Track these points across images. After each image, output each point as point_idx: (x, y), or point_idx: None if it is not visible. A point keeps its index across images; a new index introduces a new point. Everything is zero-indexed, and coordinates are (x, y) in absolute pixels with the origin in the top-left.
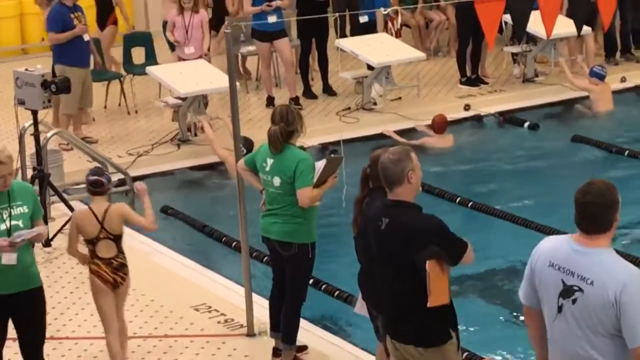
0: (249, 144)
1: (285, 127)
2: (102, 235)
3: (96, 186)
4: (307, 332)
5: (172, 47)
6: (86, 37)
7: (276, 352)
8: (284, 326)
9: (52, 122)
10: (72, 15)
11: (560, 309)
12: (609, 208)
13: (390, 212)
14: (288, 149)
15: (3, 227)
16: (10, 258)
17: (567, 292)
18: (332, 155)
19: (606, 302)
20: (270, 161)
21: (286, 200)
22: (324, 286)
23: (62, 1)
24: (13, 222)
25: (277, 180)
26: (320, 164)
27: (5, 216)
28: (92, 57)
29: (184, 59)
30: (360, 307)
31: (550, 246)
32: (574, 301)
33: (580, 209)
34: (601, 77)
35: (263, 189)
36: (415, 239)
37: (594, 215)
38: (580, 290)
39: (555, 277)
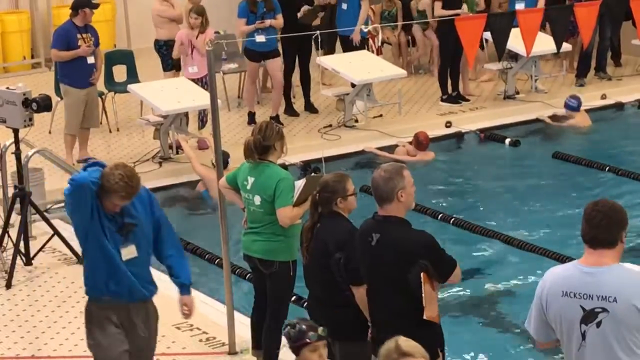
0: (224, 156)
1: (261, 140)
2: None
3: None
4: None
5: (165, 66)
6: (90, 60)
7: None
8: (265, 344)
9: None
10: (79, 36)
11: (584, 335)
12: (618, 224)
13: (381, 228)
14: (268, 167)
15: None
16: (129, 252)
17: (590, 316)
18: (313, 174)
19: (634, 314)
20: (251, 180)
21: (267, 219)
22: (306, 303)
23: (73, 20)
24: None
25: (257, 199)
26: (300, 183)
27: None
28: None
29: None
30: None
31: (558, 276)
32: (598, 324)
33: (589, 220)
34: (574, 109)
35: (244, 207)
36: (407, 254)
37: (602, 227)
38: (605, 310)
39: (573, 305)
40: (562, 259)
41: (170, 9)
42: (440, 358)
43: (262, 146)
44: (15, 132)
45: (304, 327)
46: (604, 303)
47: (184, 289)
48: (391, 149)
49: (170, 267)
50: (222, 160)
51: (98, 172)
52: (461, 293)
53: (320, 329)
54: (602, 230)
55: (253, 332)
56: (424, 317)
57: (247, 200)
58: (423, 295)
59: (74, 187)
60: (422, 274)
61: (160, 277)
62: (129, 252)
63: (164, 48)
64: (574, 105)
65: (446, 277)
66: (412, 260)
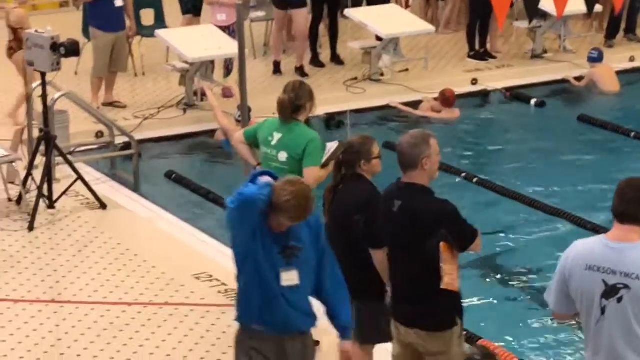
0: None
1: (294, 99)
2: None
3: None
4: None
5: (183, 10)
6: (118, 3)
7: None
8: None
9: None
10: None
11: (603, 310)
12: None
13: (403, 195)
14: (298, 126)
15: None
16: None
17: (611, 292)
18: (343, 140)
19: None
20: (277, 135)
21: None
22: None
23: None
24: None
25: (283, 155)
26: (331, 145)
27: None
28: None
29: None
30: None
31: (583, 249)
32: (619, 300)
33: (620, 195)
34: (594, 60)
35: (258, 164)
36: (427, 222)
37: (632, 203)
38: (627, 287)
39: (595, 279)
40: (582, 223)
41: None
42: (458, 326)
43: (295, 105)
44: (43, 75)
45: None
46: (626, 279)
47: (345, 332)
48: (416, 104)
49: (329, 305)
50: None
51: (268, 187)
52: (479, 257)
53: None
54: (632, 206)
55: None
56: (442, 287)
57: (269, 157)
58: (442, 264)
59: (241, 202)
60: (441, 244)
61: (183, 227)
62: (290, 277)
63: None
64: (594, 56)
65: (466, 247)
66: (432, 230)
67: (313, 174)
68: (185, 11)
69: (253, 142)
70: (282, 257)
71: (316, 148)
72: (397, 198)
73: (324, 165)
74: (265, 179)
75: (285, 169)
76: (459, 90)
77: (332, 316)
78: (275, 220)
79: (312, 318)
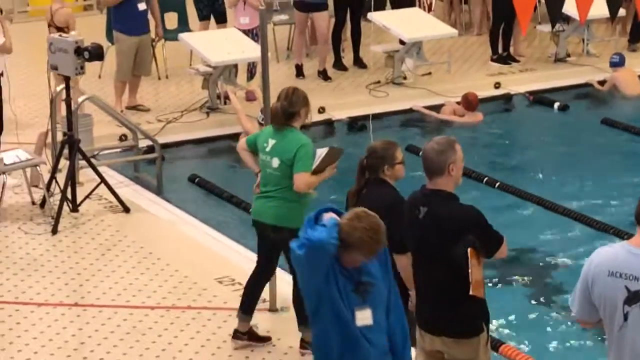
0: None
1: (287, 106)
2: None
3: None
4: None
5: (199, 16)
6: (142, 6)
7: (236, 333)
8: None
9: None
10: None
11: (626, 316)
12: None
13: (429, 201)
14: (291, 132)
15: None
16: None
17: (634, 298)
18: (335, 147)
19: None
20: (271, 142)
21: (282, 183)
22: None
23: None
24: None
25: (276, 161)
26: (321, 152)
27: None
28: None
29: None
30: None
31: (606, 255)
32: None
33: None
34: (616, 65)
35: (259, 171)
36: (454, 229)
37: None
38: None
39: (618, 285)
40: (605, 228)
41: None
42: (485, 332)
43: (288, 112)
44: (67, 79)
45: None
46: None
47: None
48: (438, 108)
49: (391, 339)
50: None
51: (335, 226)
52: (503, 262)
53: None
54: None
55: (245, 296)
56: (470, 293)
57: (265, 163)
58: (470, 271)
59: (311, 248)
60: (469, 250)
61: (206, 230)
62: (364, 316)
63: None
64: (616, 61)
65: (492, 253)
66: (459, 236)
67: (303, 180)
68: (202, 17)
69: (254, 149)
70: (356, 294)
71: (306, 153)
72: (423, 205)
73: (315, 172)
74: (330, 215)
75: (278, 175)
76: (482, 94)
77: (393, 351)
78: (348, 258)
79: (390, 356)
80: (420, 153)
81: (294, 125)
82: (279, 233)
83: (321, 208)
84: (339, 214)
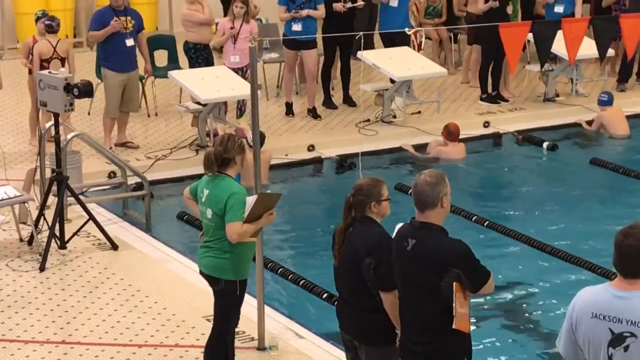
0: (261, 139)
1: (222, 152)
2: None
3: None
4: (319, 348)
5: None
6: (129, 43)
7: None
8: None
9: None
10: (115, 18)
11: (610, 358)
12: None
13: (418, 234)
14: (223, 180)
15: None
16: None
17: (617, 340)
18: (267, 192)
19: None
20: (206, 192)
21: (217, 234)
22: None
23: (112, 4)
24: None
25: (209, 212)
26: (251, 200)
27: None
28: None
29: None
30: None
31: (589, 297)
32: (626, 348)
33: (619, 252)
34: (605, 103)
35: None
36: (441, 262)
37: (632, 259)
38: (633, 335)
39: (602, 327)
40: (594, 269)
41: (198, 13)
42: None
43: (223, 158)
44: (56, 116)
45: None
46: (632, 328)
47: None
48: (424, 147)
49: None
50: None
51: None
52: (491, 300)
53: None
54: (635, 265)
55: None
56: (453, 327)
57: (202, 213)
58: (454, 304)
59: None
60: (454, 284)
61: (194, 268)
62: None
63: (192, 51)
64: (604, 99)
65: (479, 288)
66: (445, 269)
67: (234, 229)
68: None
69: (195, 197)
70: None
71: (237, 202)
72: (412, 237)
73: (247, 220)
74: None
75: (212, 226)
76: (471, 132)
77: None
78: None
79: None
80: (410, 191)
81: (227, 173)
82: (216, 284)
83: None
84: None
